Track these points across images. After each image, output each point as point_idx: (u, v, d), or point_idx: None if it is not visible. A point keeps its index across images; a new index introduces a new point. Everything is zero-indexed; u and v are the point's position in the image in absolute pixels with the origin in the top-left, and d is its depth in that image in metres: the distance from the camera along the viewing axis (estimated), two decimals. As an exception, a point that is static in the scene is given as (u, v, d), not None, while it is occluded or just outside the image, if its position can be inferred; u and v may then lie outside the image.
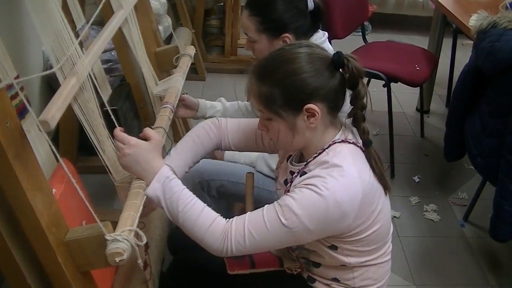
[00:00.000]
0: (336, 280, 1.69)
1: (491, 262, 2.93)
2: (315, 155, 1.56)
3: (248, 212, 1.54)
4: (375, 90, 3.79)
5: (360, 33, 4.07)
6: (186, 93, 2.25)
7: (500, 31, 2.42)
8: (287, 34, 2.07)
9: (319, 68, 1.49)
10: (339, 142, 1.55)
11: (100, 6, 1.84)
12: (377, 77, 3.34)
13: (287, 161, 1.73)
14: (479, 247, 3.01)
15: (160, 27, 3.42)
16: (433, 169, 3.62)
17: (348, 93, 1.56)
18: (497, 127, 2.44)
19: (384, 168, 3.41)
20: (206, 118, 2.25)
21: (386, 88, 3.34)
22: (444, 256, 2.94)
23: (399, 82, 3.34)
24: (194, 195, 1.54)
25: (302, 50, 1.52)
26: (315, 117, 1.50)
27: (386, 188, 1.59)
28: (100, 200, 2.70)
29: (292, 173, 1.66)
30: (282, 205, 1.47)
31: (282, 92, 1.50)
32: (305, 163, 1.59)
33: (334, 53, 1.51)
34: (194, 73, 4.45)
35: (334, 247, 1.60)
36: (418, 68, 3.44)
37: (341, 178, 1.46)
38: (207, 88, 4.41)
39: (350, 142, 1.56)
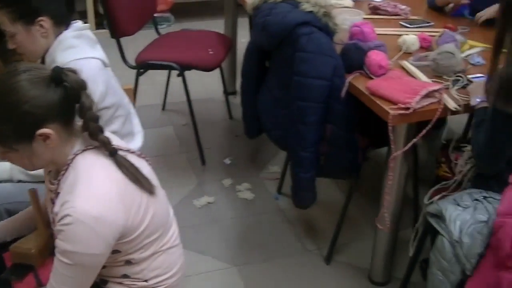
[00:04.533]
0: (126, 276, 1.66)
1: (308, 229, 3.01)
2: (62, 172, 1.54)
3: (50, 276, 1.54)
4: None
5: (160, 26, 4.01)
6: None
7: (271, 5, 2.46)
8: (42, 18, 1.98)
9: (42, 90, 1.44)
10: (80, 153, 1.53)
11: None
12: (171, 67, 3.31)
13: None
14: (294, 217, 3.08)
15: None
16: (244, 149, 3.66)
17: None
18: (285, 98, 2.49)
19: (195, 156, 3.47)
20: None
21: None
22: (262, 232, 2.98)
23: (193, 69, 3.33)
24: None
25: (21, 77, 1.45)
26: (50, 138, 1.47)
27: (148, 191, 1.58)
28: None
29: (52, 191, 1.61)
30: (61, 252, 1.47)
31: (11, 128, 1.45)
32: (57, 181, 1.56)
33: (52, 70, 1.47)
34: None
35: (117, 251, 1.57)
36: (211, 53, 3.44)
37: (89, 191, 1.45)
38: None
39: (92, 148, 1.54)
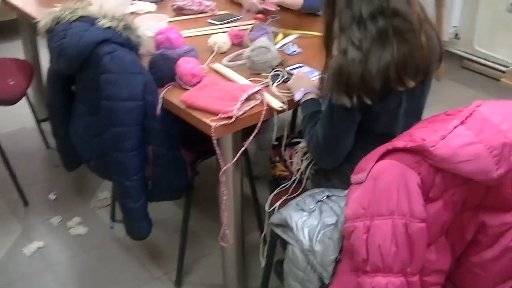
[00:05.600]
0: None
1: (151, 254, 2.80)
2: None
3: None
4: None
5: None
6: None
7: (65, 26, 2.21)
8: None
9: None
10: None
11: None
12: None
13: None
14: (134, 244, 2.83)
15: None
16: (68, 179, 3.34)
17: None
18: (98, 125, 2.26)
19: (15, 198, 3.12)
20: None
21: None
22: (103, 268, 2.73)
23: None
24: None
25: None
26: None
27: None
28: None
29: None
30: None
31: None
32: None
33: None
34: None
35: None
36: (12, 83, 3.10)
37: None
38: None
39: None
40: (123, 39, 2.16)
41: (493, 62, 4.43)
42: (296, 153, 2.18)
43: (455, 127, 1.48)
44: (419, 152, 1.48)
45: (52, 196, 3.21)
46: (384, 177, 1.50)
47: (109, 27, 2.16)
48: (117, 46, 2.13)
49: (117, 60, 2.09)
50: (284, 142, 2.22)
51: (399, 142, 1.50)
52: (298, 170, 2.15)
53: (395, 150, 1.51)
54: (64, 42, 2.17)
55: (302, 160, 2.14)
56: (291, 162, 2.21)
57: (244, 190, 2.30)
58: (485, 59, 4.50)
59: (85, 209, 3.12)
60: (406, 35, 1.78)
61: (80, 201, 3.18)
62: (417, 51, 1.81)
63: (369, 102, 1.79)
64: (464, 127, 1.48)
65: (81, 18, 2.22)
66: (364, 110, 1.84)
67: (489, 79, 4.46)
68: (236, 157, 2.05)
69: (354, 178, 1.59)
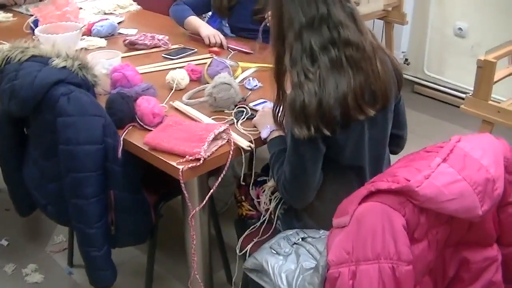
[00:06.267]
0: None
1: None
2: None
3: None
4: None
5: None
6: None
7: (15, 66, 2.10)
8: None
9: None
10: None
11: None
12: None
13: None
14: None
15: None
16: (20, 223, 3.16)
17: None
18: (54, 169, 2.14)
19: None
20: None
21: None
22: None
23: None
24: None
25: None
26: None
27: None
28: None
29: None
30: None
31: None
32: None
33: None
34: None
35: None
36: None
37: None
38: None
39: None
40: (79, 79, 2.07)
41: (443, 86, 4.48)
42: (263, 192, 2.11)
43: (438, 165, 1.44)
44: (403, 193, 1.43)
45: (4, 242, 3.05)
46: (368, 219, 1.44)
47: (63, 67, 2.06)
48: (73, 87, 2.03)
49: (74, 102, 1.99)
50: (251, 181, 2.14)
51: (382, 183, 1.45)
52: (267, 210, 2.08)
53: (378, 192, 1.45)
54: (16, 83, 2.05)
55: (270, 200, 2.06)
56: (259, 202, 2.13)
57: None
58: (435, 83, 4.55)
59: (41, 254, 2.96)
60: (361, 63, 1.75)
61: (34, 246, 3.02)
62: (373, 79, 1.77)
63: (328, 133, 1.73)
64: (446, 164, 1.45)
65: (32, 57, 2.11)
66: (328, 141, 1.79)
67: (440, 103, 4.50)
68: (205, 201, 1.96)
69: (336, 221, 1.52)
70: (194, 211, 1.96)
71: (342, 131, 1.77)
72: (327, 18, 1.72)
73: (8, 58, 2.14)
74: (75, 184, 2.04)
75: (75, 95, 2.00)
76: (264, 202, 2.10)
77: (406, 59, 4.64)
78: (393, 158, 1.98)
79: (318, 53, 1.71)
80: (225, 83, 2.17)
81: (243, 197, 2.24)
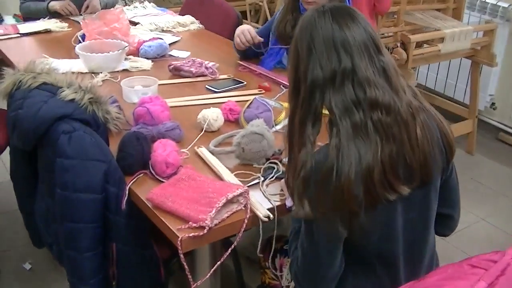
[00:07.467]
0: None
1: None
2: None
3: None
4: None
5: None
6: None
7: (24, 93, 1.88)
8: None
9: None
10: None
11: None
12: None
13: None
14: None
15: None
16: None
17: None
18: (55, 211, 1.89)
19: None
20: None
21: None
22: None
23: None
24: None
25: None
26: None
27: None
28: None
29: None
30: None
31: None
32: None
33: None
34: None
35: None
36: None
37: None
38: None
39: None
40: (87, 115, 1.82)
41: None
42: (286, 266, 1.79)
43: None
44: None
45: (27, 266, 2.86)
46: None
47: (72, 100, 1.82)
48: (78, 124, 1.78)
49: (75, 143, 1.74)
50: (273, 248, 1.81)
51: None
52: (287, 287, 1.76)
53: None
54: (20, 113, 1.84)
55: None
56: (281, 275, 1.82)
57: None
58: (524, 132, 4.08)
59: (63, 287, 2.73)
60: (393, 129, 1.40)
61: (56, 274, 2.77)
62: (409, 149, 1.42)
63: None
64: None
65: (43, 85, 1.89)
66: (349, 223, 1.44)
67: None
68: (208, 274, 1.65)
69: None
70: (195, 284, 1.65)
71: (367, 214, 1.42)
72: (351, 73, 1.39)
73: (19, 82, 1.92)
74: (69, 235, 1.79)
75: (78, 135, 1.75)
76: (286, 279, 1.78)
77: (493, 103, 4.18)
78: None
79: (339, 117, 1.39)
80: (256, 133, 1.86)
81: (267, 264, 1.92)
